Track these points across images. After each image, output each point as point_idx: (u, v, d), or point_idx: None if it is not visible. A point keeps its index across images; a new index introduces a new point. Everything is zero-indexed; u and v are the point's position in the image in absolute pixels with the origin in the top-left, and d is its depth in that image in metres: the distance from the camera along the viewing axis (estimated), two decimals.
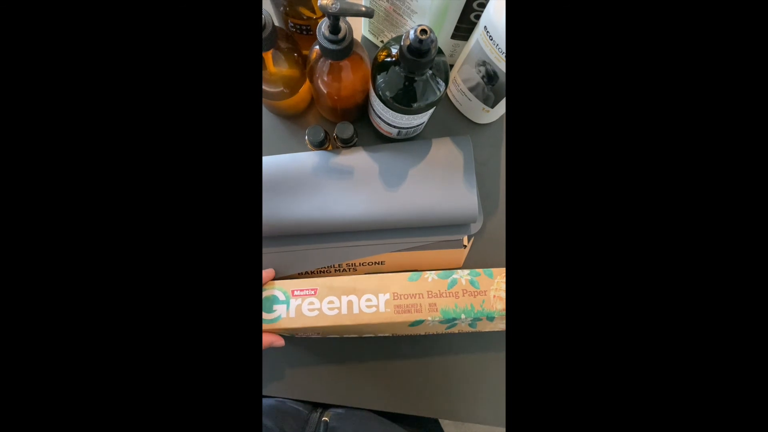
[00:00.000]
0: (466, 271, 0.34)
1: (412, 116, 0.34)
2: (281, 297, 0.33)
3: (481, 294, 0.33)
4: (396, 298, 0.33)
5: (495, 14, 0.30)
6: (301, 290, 0.33)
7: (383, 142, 0.41)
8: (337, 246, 0.40)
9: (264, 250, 0.39)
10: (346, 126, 0.37)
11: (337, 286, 0.33)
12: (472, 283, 0.33)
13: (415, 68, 0.29)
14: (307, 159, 0.39)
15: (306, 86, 0.37)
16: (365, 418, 0.37)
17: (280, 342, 0.34)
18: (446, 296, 0.33)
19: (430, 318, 0.32)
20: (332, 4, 0.25)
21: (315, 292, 0.33)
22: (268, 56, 0.32)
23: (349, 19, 0.29)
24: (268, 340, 0.33)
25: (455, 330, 0.34)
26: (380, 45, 0.43)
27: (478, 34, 0.33)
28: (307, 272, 0.40)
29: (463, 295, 0.33)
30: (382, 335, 0.34)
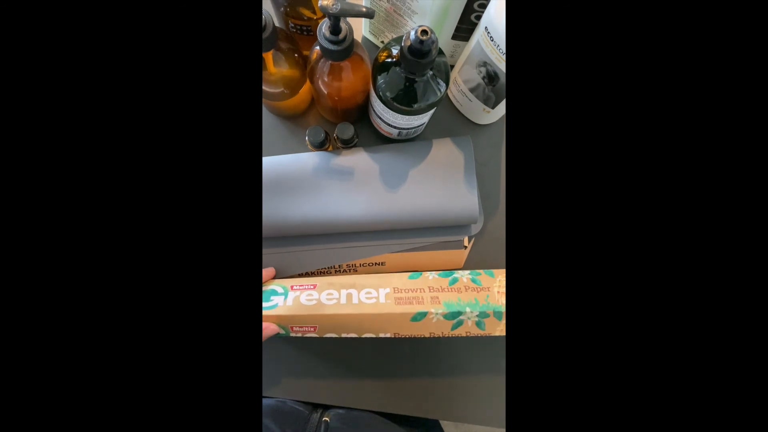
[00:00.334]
0: (467, 271, 0.34)
1: (412, 117, 0.34)
2: (279, 290, 0.33)
3: (484, 290, 0.32)
4: (397, 291, 0.32)
5: (496, 15, 0.30)
6: (300, 285, 0.33)
7: (384, 143, 0.41)
8: (337, 247, 0.40)
9: (264, 250, 0.39)
10: (347, 127, 0.37)
11: (337, 282, 0.33)
12: (474, 281, 0.33)
13: (415, 69, 0.29)
14: (308, 160, 0.39)
15: (306, 87, 0.37)
16: (366, 419, 0.37)
17: (273, 328, 0.32)
18: (448, 291, 0.32)
19: (433, 310, 0.31)
20: (333, 5, 0.25)
21: (314, 287, 0.33)
22: (268, 57, 0.32)
23: (349, 19, 0.29)
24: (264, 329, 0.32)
25: (462, 332, 0.32)
26: (381, 46, 0.43)
27: (478, 34, 0.33)
28: (307, 273, 0.40)
29: (466, 291, 0.32)
30: (383, 335, 0.34)
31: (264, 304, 0.32)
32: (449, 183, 0.39)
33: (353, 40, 0.30)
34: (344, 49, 0.29)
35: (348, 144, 0.39)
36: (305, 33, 0.37)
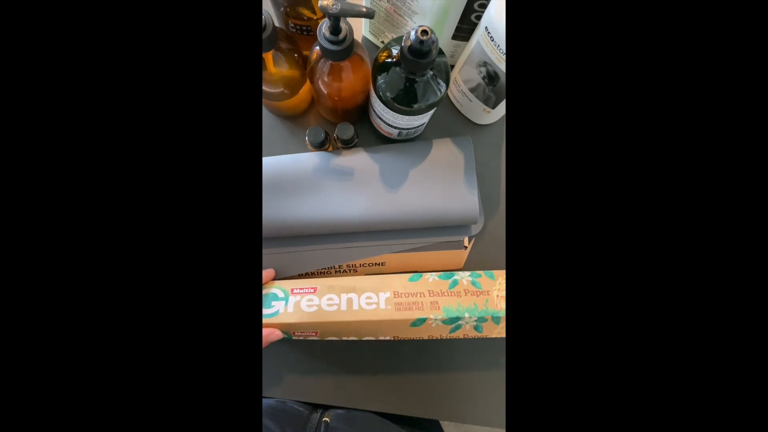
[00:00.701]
0: (467, 273, 0.34)
1: (412, 117, 0.34)
2: (280, 294, 0.33)
3: (483, 294, 0.32)
4: (397, 296, 0.32)
5: (496, 15, 0.30)
6: (300, 288, 0.33)
7: (384, 143, 0.41)
8: (337, 247, 0.39)
9: (264, 251, 0.39)
10: (347, 127, 0.37)
11: (337, 285, 0.33)
12: (473, 284, 0.33)
13: (415, 69, 0.29)
14: (308, 160, 0.39)
15: (306, 87, 0.37)
16: (366, 419, 0.37)
17: (277, 334, 0.33)
18: (448, 295, 0.32)
19: (432, 316, 0.31)
20: (333, 5, 0.25)
21: (314, 291, 0.33)
22: (268, 57, 0.32)
23: (349, 19, 0.29)
24: (265, 334, 0.32)
25: (460, 334, 0.33)
26: (381, 46, 0.43)
27: (479, 34, 0.33)
28: (307, 273, 0.40)
29: (466, 295, 0.32)
30: (383, 338, 0.34)
31: (265, 311, 0.32)
32: (449, 183, 0.38)
33: (353, 41, 0.29)
34: (344, 49, 0.29)
35: (348, 144, 0.39)
36: (305, 33, 0.37)
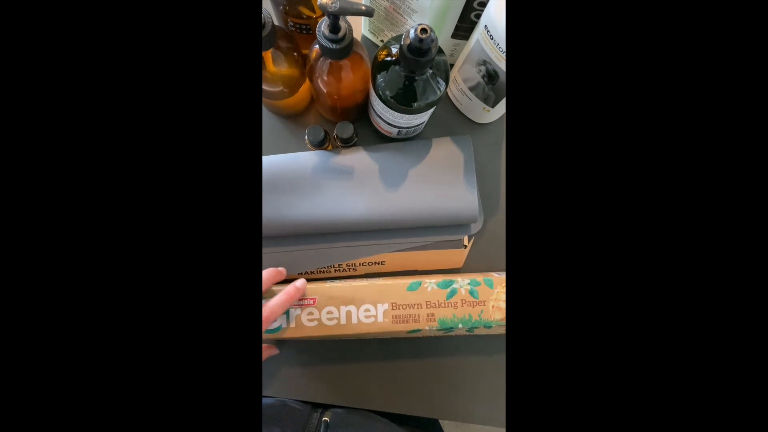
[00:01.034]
0: (467, 280, 0.34)
1: (412, 116, 0.34)
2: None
3: (480, 304, 0.33)
4: (394, 308, 0.33)
5: (495, 13, 0.30)
6: (300, 300, 0.34)
7: (383, 142, 0.41)
8: (336, 246, 0.39)
9: (264, 250, 0.39)
10: (346, 126, 0.37)
11: (336, 296, 0.34)
12: (471, 293, 0.34)
13: (415, 67, 0.29)
14: (307, 159, 0.39)
15: (306, 86, 0.37)
16: (365, 418, 0.37)
17: (274, 351, 0.36)
18: (445, 306, 0.33)
19: (427, 327, 0.33)
20: (332, 3, 0.25)
21: (314, 302, 0.33)
22: (267, 55, 0.32)
23: (349, 18, 0.29)
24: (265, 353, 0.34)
25: (453, 334, 0.35)
26: (380, 44, 0.43)
27: (478, 33, 0.33)
28: (307, 272, 0.40)
29: (462, 306, 0.33)
30: (381, 337, 0.35)
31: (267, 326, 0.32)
32: (449, 182, 0.38)
33: (353, 39, 0.29)
34: (343, 47, 0.29)
35: (347, 143, 0.38)
36: (304, 32, 0.37)
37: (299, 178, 0.38)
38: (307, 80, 0.36)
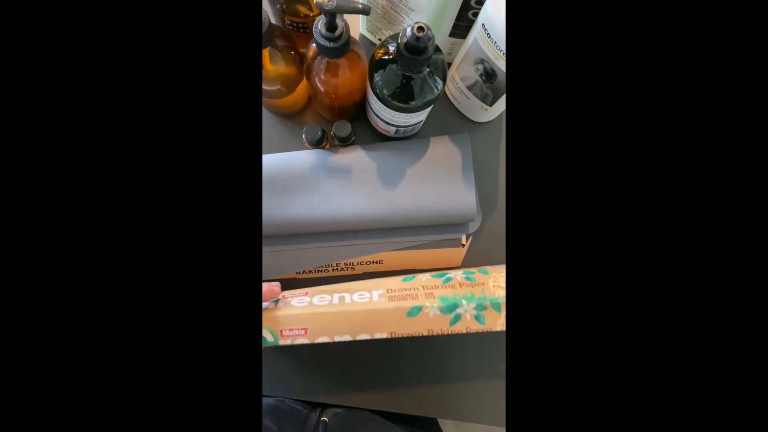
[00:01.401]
0: (460, 271, 0.33)
1: (409, 114, 0.34)
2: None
3: (479, 285, 0.32)
4: (390, 291, 0.31)
5: (493, 12, 0.30)
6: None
7: (381, 141, 0.41)
8: (334, 245, 0.39)
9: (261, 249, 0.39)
10: (344, 124, 0.37)
11: (330, 288, 0.32)
12: (468, 278, 0.32)
13: (412, 66, 0.28)
14: (305, 158, 0.39)
15: (303, 84, 0.37)
16: (364, 418, 0.37)
17: (276, 291, 0.31)
18: (443, 288, 0.31)
19: (428, 303, 0.30)
20: (328, 2, 0.25)
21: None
22: (264, 54, 0.31)
23: (346, 17, 0.29)
24: (264, 290, 0.30)
25: (462, 327, 0.31)
26: (378, 43, 0.43)
27: (476, 32, 0.33)
28: (304, 271, 0.39)
29: (461, 287, 0.32)
30: (379, 335, 0.33)
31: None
32: (447, 181, 0.38)
33: (350, 37, 0.29)
34: (340, 46, 0.29)
35: (345, 142, 0.38)
36: (302, 30, 0.37)
37: (297, 177, 0.38)
38: (305, 79, 0.36)
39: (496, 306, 0.31)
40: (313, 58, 0.32)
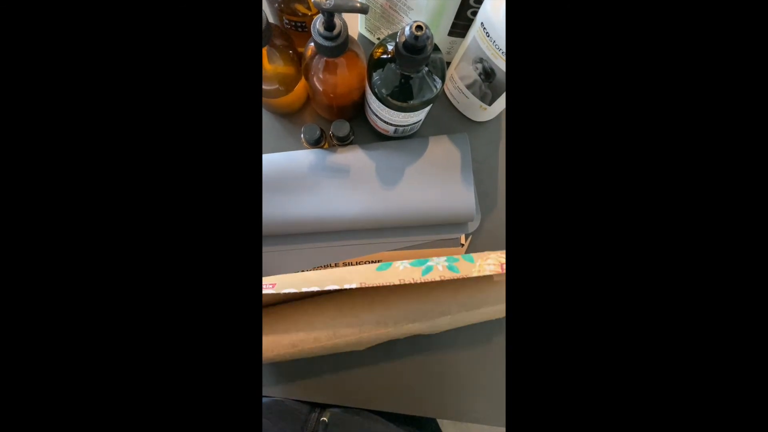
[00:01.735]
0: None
1: (408, 114, 0.34)
2: None
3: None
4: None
5: (492, 11, 0.29)
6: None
7: (380, 140, 0.41)
8: (333, 245, 0.39)
9: None
10: (342, 124, 0.37)
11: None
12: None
13: (410, 65, 0.28)
14: (303, 157, 0.39)
15: (302, 84, 0.37)
16: (364, 418, 0.37)
17: None
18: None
19: (398, 263, 0.30)
20: (326, 1, 0.25)
21: (273, 287, 0.30)
22: (262, 53, 0.31)
23: (345, 16, 0.29)
24: None
25: (435, 276, 0.30)
26: (376, 42, 0.43)
27: (475, 30, 0.32)
28: (302, 271, 0.39)
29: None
30: (348, 286, 0.30)
31: None
32: (446, 180, 0.38)
33: (348, 36, 0.29)
34: (339, 45, 0.29)
35: (344, 141, 0.38)
36: (300, 29, 0.37)
37: (295, 176, 0.38)
38: (303, 78, 0.36)
39: (468, 258, 0.31)
40: (311, 57, 0.32)
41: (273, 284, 0.31)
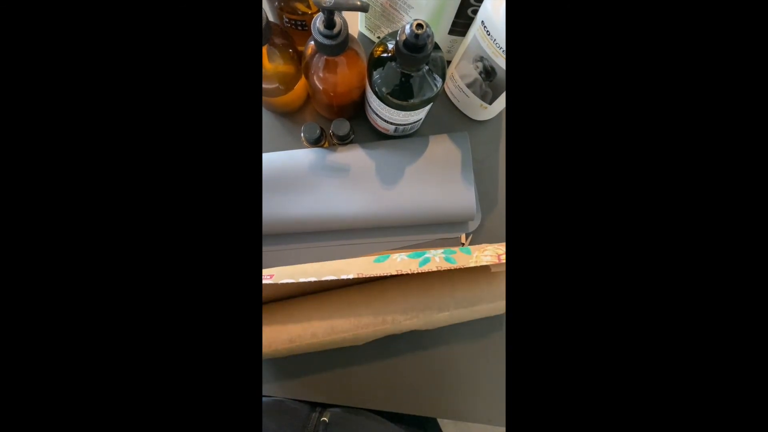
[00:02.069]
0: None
1: (408, 112, 0.33)
2: None
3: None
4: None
5: (492, 9, 0.29)
6: None
7: (380, 139, 0.41)
8: (333, 244, 0.39)
9: None
10: (343, 123, 0.37)
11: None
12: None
13: (411, 64, 0.28)
14: (303, 156, 0.38)
15: (302, 83, 0.37)
16: (364, 418, 0.37)
17: None
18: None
19: (395, 255, 0.30)
20: None
21: (271, 277, 0.30)
22: (262, 52, 0.31)
23: (345, 14, 0.29)
24: None
25: (432, 267, 0.30)
26: (377, 41, 0.42)
27: (475, 29, 0.32)
28: None
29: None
30: (345, 276, 0.30)
31: None
32: (446, 179, 0.38)
33: (348, 35, 0.29)
34: (339, 43, 0.29)
35: (344, 140, 0.38)
36: (300, 28, 0.37)
37: (295, 176, 0.38)
38: (303, 77, 0.35)
39: (465, 250, 0.31)
40: (311, 56, 0.32)
41: (271, 275, 0.31)
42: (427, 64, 0.30)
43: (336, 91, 0.35)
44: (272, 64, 0.33)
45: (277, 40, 0.32)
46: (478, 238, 0.41)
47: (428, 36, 0.26)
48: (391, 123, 0.36)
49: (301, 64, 0.34)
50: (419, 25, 0.26)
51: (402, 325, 0.32)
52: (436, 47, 0.30)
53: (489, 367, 0.39)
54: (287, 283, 0.32)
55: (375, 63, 0.31)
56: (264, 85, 0.34)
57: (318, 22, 0.28)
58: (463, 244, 0.40)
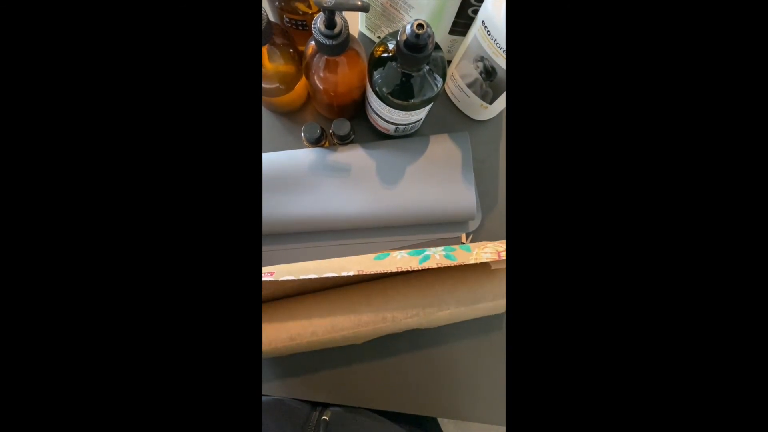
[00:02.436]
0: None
1: (409, 112, 0.33)
2: None
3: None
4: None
5: (493, 9, 0.29)
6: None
7: (380, 139, 0.41)
8: (333, 244, 0.39)
9: None
10: (343, 123, 0.37)
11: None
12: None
13: (411, 64, 0.28)
14: (304, 156, 0.38)
15: (302, 82, 0.37)
16: (364, 417, 0.37)
17: None
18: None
19: (396, 252, 0.30)
20: None
21: (272, 274, 0.30)
22: (263, 52, 0.31)
23: (345, 14, 0.29)
24: None
25: (432, 264, 0.30)
26: (377, 41, 0.42)
27: (475, 29, 0.32)
28: None
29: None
30: (346, 273, 0.30)
31: None
32: (447, 179, 0.38)
33: (349, 35, 0.29)
34: (339, 43, 0.29)
35: (344, 140, 0.38)
36: (300, 28, 0.37)
37: (295, 175, 0.38)
38: (304, 77, 0.35)
39: (465, 248, 0.31)
40: (312, 55, 0.32)
41: (272, 272, 0.31)
42: (427, 64, 0.30)
43: (336, 91, 0.35)
44: (273, 63, 0.33)
45: (278, 40, 0.32)
46: (478, 237, 0.41)
47: (429, 36, 0.26)
48: (392, 123, 0.36)
49: (301, 64, 0.34)
50: (420, 25, 0.26)
51: (402, 323, 0.32)
52: (437, 47, 0.30)
53: (489, 367, 0.39)
54: (288, 281, 0.32)
55: (375, 63, 0.31)
56: (264, 85, 0.35)
57: (319, 22, 0.28)
58: (463, 244, 0.40)
